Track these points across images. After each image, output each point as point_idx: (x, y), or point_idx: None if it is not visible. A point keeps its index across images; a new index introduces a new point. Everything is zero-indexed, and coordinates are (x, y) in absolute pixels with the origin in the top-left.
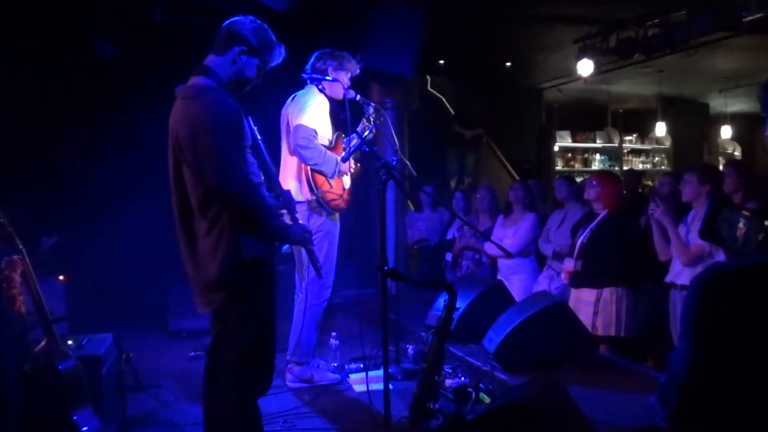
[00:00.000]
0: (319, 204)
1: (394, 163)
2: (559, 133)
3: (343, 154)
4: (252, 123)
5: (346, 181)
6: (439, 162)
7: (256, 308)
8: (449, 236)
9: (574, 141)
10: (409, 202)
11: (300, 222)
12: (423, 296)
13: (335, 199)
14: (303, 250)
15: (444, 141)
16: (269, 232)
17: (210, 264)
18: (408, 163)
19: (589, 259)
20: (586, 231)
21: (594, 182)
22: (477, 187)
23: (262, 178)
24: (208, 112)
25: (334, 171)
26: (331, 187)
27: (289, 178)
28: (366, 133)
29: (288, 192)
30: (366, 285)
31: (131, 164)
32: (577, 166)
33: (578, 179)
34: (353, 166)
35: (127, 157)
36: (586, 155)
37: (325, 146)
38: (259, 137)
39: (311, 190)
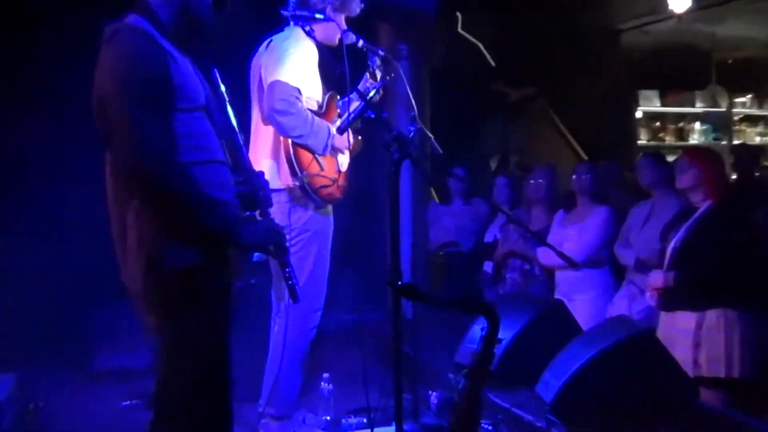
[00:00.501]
0: (305, 193)
1: (411, 135)
2: (644, 94)
3: (339, 122)
4: (218, 76)
5: (343, 160)
6: (475, 134)
7: (192, 339)
8: (489, 238)
9: (664, 104)
10: (432, 190)
11: (271, 218)
12: (451, 323)
13: (327, 186)
14: None
15: (481, 105)
16: (204, 232)
17: (135, 270)
18: (431, 135)
19: (686, 270)
20: (682, 231)
21: (689, 163)
22: (528, 170)
23: (225, 155)
24: (117, 62)
25: (326, 146)
26: (322, 168)
27: (262, 156)
28: (371, 94)
29: (260, 175)
30: (371, 306)
31: (41, 148)
32: (669, 140)
33: (670, 158)
34: (353, 139)
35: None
36: (681, 124)
37: (313, 111)
38: (226, 97)
39: (293, 173)
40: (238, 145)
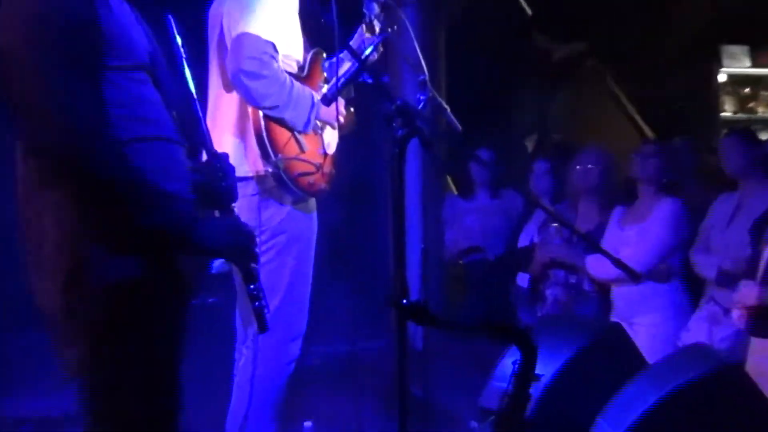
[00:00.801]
0: (280, 182)
1: (420, 106)
2: (729, 51)
3: (326, 89)
4: (173, 26)
5: (330, 139)
6: (505, 106)
7: (129, 379)
8: (523, 242)
9: (756, 65)
10: (448, 179)
11: (236, 215)
12: (473, 355)
13: (309, 174)
14: None
15: (513, 67)
16: (146, 233)
17: (51, 286)
18: (446, 106)
19: None
20: None
21: None
22: (575, 152)
23: (177, 131)
24: (25, 4)
25: (308, 120)
26: (302, 150)
27: (223, 133)
28: (368, 51)
29: (224, 158)
30: (368, 333)
31: None
32: (763, 111)
33: (764, 136)
34: (343, 112)
35: None
36: None
37: (291, 74)
38: (183, 54)
39: (264, 156)
40: (195, 119)
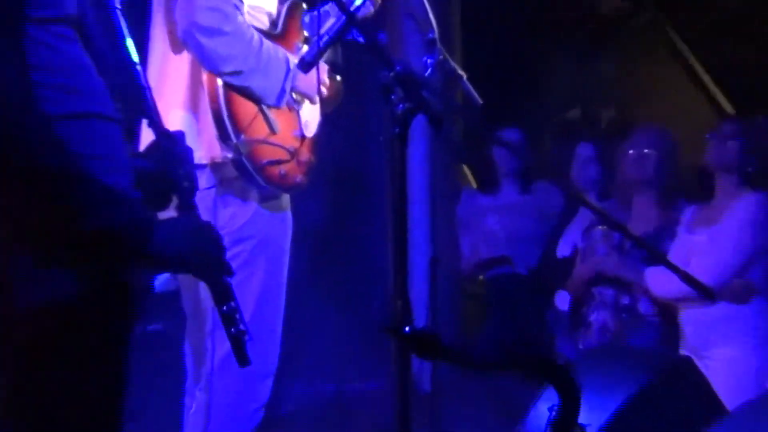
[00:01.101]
0: (243, 172)
1: (428, 73)
2: None
3: (305, 51)
4: None
5: (310, 117)
6: (538, 74)
7: (56, 414)
8: (564, 251)
9: None
10: (465, 169)
11: (197, 213)
12: (497, 397)
13: (281, 161)
14: (201, 288)
15: (549, 22)
16: (82, 238)
17: None
18: (462, 73)
19: None
20: None
21: None
22: (628, 132)
23: (113, 105)
24: None
25: (282, 91)
26: (273, 131)
27: (170, 107)
28: (358, 1)
29: (178, 140)
30: (360, 369)
31: None
32: None
33: None
34: (327, 81)
35: None
36: None
37: (260, 31)
38: (117, 5)
39: (223, 137)
40: (138, 88)
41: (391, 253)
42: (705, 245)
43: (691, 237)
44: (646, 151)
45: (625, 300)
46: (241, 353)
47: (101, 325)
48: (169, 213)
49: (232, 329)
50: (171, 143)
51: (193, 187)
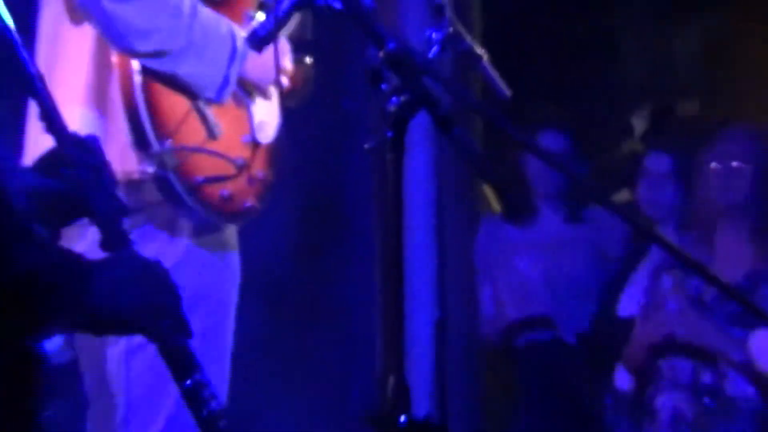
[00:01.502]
0: (168, 193)
1: (433, 52)
2: None
3: (258, 22)
4: None
5: (265, 115)
6: (590, 53)
7: None
8: (630, 309)
9: None
10: (486, 188)
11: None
12: None
13: (224, 179)
14: (109, 360)
15: None
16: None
17: None
18: (480, 53)
19: None
20: None
21: None
22: (712, 137)
23: None
24: None
25: (224, 80)
26: (212, 136)
27: (66, 99)
28: None
29: (90, 144)
30: None
31: None
32: None
33: None
34: (288, 64)
35: None
36: None
37: None
38: None
39: (140, 142)
40: (26, 77)
41: (380, 311)
42: None
43: None
44: (735, 164)
45: (706, 378)
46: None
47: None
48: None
49: (203, 412)
50: (81, 152)
51: (122, 212)
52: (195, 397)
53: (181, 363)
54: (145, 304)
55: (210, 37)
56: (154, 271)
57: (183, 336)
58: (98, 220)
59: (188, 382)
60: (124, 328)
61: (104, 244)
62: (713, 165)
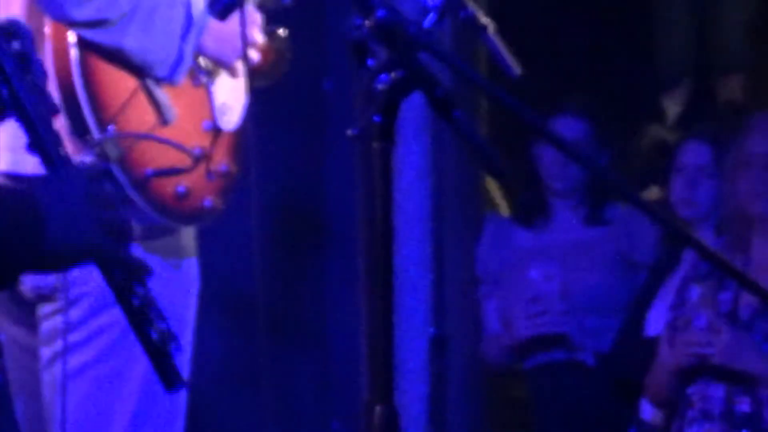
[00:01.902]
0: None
1: (428, 22)
2: None
3: None
4: None
5: (229, 96)
6: (616, 23)
7: None
8: (655, 327)
9: None
10: (490, 183)
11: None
12: None
13: (178, 171)
14: (45, 386)
15: None
16: None
17: None
18: (487, 23)
19: None
20: None
21: None
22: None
23: None
24: None
25: (179, 56)
26: (164, 121)
27: None
28: None
29: (17, 28)
30: None
31: None
32: None
33: None
34: (258, 36)
35: None
36: None
37: None
38: None
39: (77, 127)
40: None
41: (366, 329)
42: None
43: None
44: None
45: (743, 406)
46: (166, 368)
47: None
48: None
49: (151, 332)
50: (2, 38)
51: (54, 110)
52: (142, 316)
53: (127, 277)
54: (97, 222)
55: (159, 4)
56: (100, 185)
57: (128, 242)
58: (26, 118)
59: (136, 300)
60: (78, 255)
61: (33, 146)
62: (749, 159)
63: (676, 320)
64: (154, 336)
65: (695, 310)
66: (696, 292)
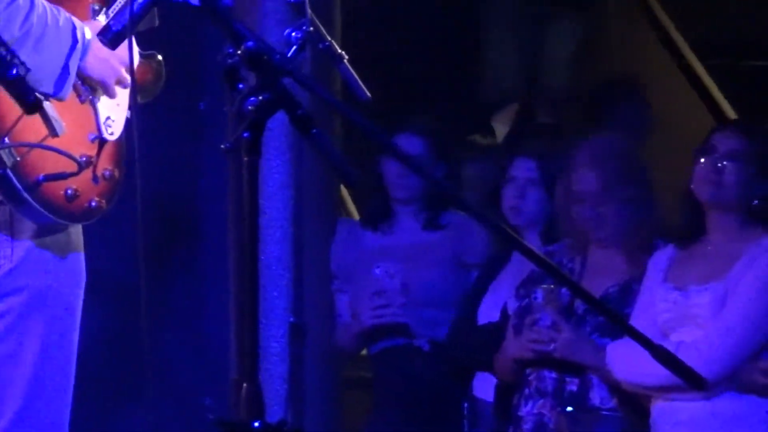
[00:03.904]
0: (8, 190)
1: (292, 52)
2: None
3: (104, 18)
4: None
5: (112, 112)
6: (453, 52)
7: None
8: (489, 316)
9: None
10: (344, 192)
11: None
12: None
13: (67, 176)
14: None
15: None
16: None
17: None
18: (344, 54)
19: None
20: None
21: None
22: (585, 143)
23: None
24: None
25: (62, 74)
26: (54, 133)
27: None
28: None
29: None
30: None
31: None
32: None
33: None
34: (139, 61)
35: None
36: None
37: None
38: None
39: None
40: None
41: (234, 317)
42: (701, 310)
43: (673, 296)
44: (589, 174)
45: (572, 386)
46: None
47: None
48: None
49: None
50: None
51: None
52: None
53: None
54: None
55: (48, 29)
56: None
57: None
58: None
59: None
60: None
61: None
62: (576, 173)
63: (521, 313)
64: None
65: (540, 310)
66: (540, 294)
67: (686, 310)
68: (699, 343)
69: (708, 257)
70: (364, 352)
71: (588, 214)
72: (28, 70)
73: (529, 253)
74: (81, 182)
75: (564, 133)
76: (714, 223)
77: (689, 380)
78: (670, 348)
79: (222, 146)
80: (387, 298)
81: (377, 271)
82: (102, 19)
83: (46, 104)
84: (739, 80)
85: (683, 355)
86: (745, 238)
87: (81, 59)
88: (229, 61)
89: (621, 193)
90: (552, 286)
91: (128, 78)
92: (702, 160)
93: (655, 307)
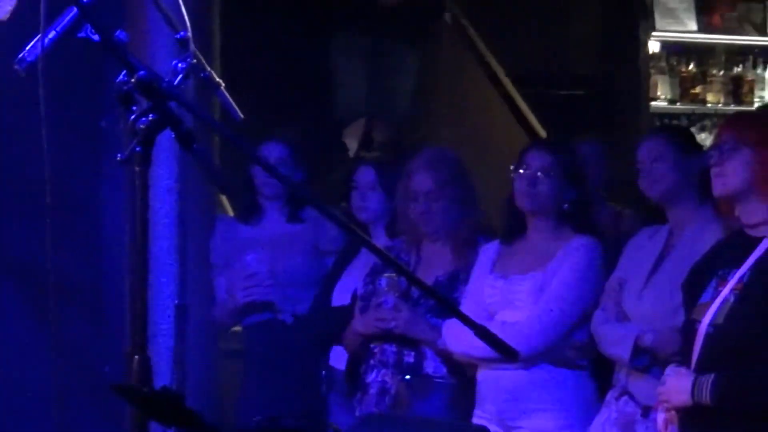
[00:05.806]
0: None
1: (178, 80)
2: (664, 6)
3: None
4: None
5: None
6: (311, 78)
7: None
8: (342, 298)
9: (705, 29)
10: (220, 195)
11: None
12: None
13: None
14: None
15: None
16: None
17: None
18: (220, 81)
19: (738, 365)
20: (728, 287)
21: (735, 143)
22: (420, 152)
23: None
24: None
25: None
26: None
27: None
28: None
29: None
30: None
31: None
32: (711, 100)
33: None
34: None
35: None
36: (737, 69)
37: None
38: None
39: None
40: None
41: (129, 298)
42: (521, 295)
43: (498, 283)
44: (425, 178)
45: (409, 358)
46: None
47: None
48: None
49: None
50: None
51: None
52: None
53: None
54: None
55: None
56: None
57: None
58: None
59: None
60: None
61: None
62: (414, 177)
63: (368, 296)
64: None
65: (384, 295)
66: (384, 281)
67: (509, 295)
68: (520, 323)
69: (528, 252)
70: (238, 328)
71: (421, 210)
72: None
73: (372, 248)
74: None
75: (396, 148)
76: (533, 224)
77: (503, 353)
78: (496, 327)
79: (118, 157)
80: (257, 280)
81: (249, 257)
82: None
83: None
84: (548, 105)
85: (506, 333)
86: (558, 236)
87: None
88: (125, 87)
89: (449, 194)
90: (393, 275)
91: None
92: (520, 172)
93: (483, 292)
